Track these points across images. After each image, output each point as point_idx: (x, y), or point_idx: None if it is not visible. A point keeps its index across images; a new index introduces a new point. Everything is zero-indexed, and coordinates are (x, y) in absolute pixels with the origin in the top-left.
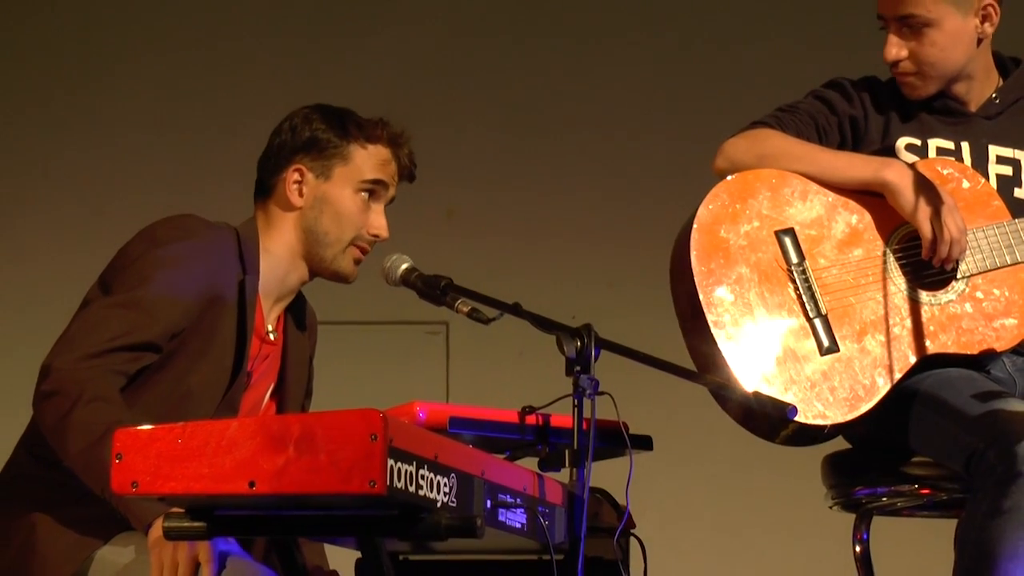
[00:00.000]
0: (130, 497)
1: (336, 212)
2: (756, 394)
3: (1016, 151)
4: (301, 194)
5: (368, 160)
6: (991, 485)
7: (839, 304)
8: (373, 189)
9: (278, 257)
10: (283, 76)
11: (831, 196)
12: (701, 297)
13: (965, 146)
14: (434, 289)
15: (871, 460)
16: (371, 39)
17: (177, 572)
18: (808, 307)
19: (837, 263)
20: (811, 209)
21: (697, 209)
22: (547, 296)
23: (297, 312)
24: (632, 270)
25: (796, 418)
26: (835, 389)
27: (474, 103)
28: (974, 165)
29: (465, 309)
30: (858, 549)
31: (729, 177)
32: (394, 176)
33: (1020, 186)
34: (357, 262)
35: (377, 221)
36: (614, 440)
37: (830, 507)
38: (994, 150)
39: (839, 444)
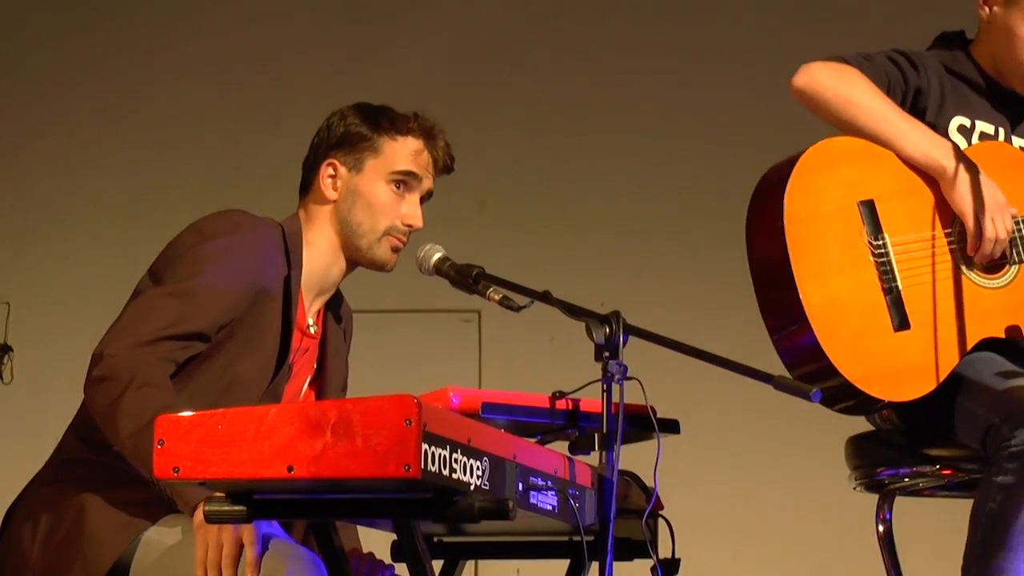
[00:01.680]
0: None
1: (368, 203)
2: (779, 378)
3: None
4: (335, 188)
5: (399, 152)
6: (1004, 459)
7: (910, 282)
8: (404, 180)
9: (320, 251)
10: (321, 74)
11: (908, 170)
12: (793, 264)
13: (1001, 132)
14: (466, 278)
15: (894, 441)
16: (408, 39)
17: (222, 553)
18: (885, 282)
19: (910, 240)
20: (891, 181)
21: (790, 170)
22: (576, 285)
23: (335, 307)
24: (657, 259)
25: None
26: (905, 368)
27: (506, 101)
28: None
29: (496, 297)
30: (881, 529)
31: (818, 143)
32: (427, 167)
33: None
34: (395, 250)
35: (411, 211)
36: (642, 424)
37: (853, 488)
38: (1017, 140)
39: (861, 425)
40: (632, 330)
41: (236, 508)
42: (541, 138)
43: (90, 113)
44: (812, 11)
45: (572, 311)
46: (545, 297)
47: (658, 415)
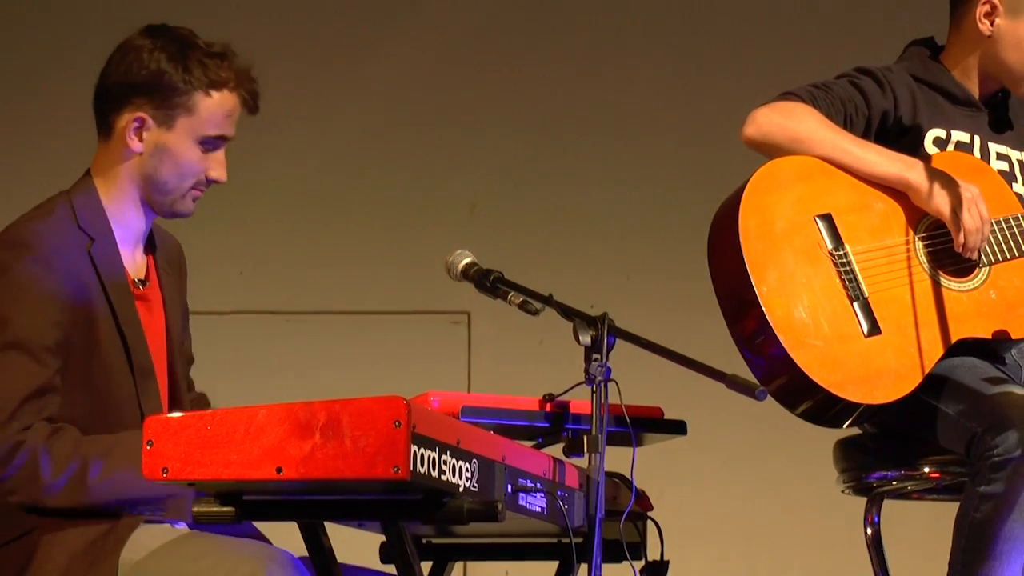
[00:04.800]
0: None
1: (176, 163)
2: (732, 376)
3: (1011, 149)
4: (141, 139)
5: (213, 112)
6: (988, 468)
7: (877, 289)
8: (215, 142)
9: (123, 208)
10: (309, 74)
11: (863, 184)
12: (753, 280)
13: (976, 140)
14: (486, 282)
15: (882, 445)
16: (397, 41)
17: None
18: (850, 290)
19: (872, 249)
20: (846, 196)
21: (740, 193)
22: (566, 287)
23: (157, 247)
24: (648, 262)
25: (847, 397)
26: (880, 371)
27: (495, 102)
28: (980, 158)
29: (517, 301)
30: (869, 532)
31: (767, 163)
32: (236, 120)
33: (1016, 181)
34: (195, 200)
35: (217, 166)
36: (648, 426)
37: (842, 491)
38: (994, 147)
39: (849, 429)
40: (619, 332)
41: (225, 509)
42: (531, 140)
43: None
44: (805, 11)
45: (565, 313)
46: (548, 300)
47: (664, 416)
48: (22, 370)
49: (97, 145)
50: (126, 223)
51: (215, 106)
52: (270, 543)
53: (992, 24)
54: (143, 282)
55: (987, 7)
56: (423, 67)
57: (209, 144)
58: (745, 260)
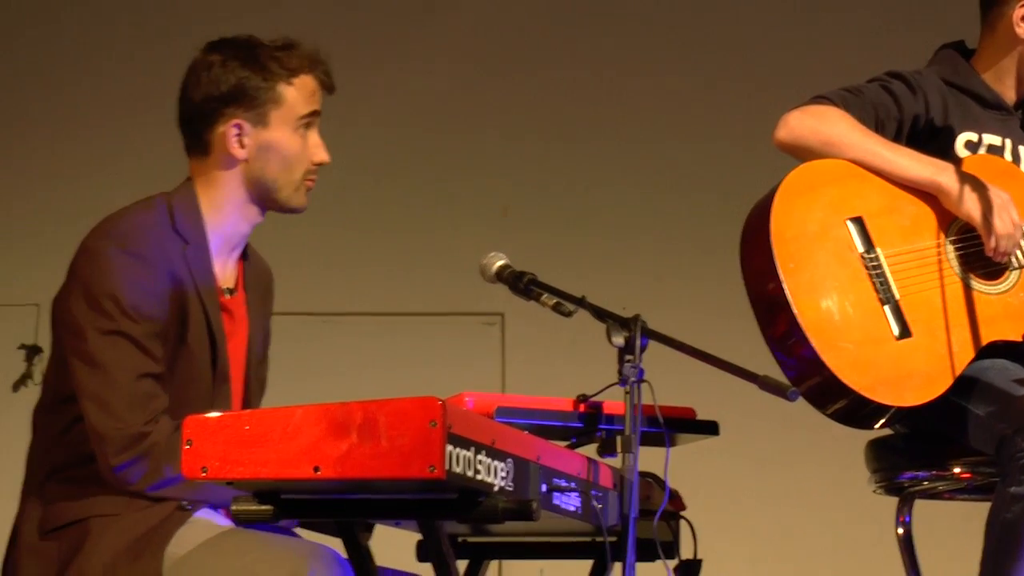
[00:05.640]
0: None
1: (283, 156)
2: (764, 377)
3: None
4: (243, 146)
5: (298, 96)
6: (1018, 469)
7: (908, 292)
8: (309, 122)
9: (225, 213)
10: (345, 78)
11: (894, 188)
12: (784, 282)
13: (1008, 143)
14: (519, 284)
15: (913, 446)
16: (431, 44)
17: None
18: (881, 293)
19: (903, 252)
20: (877, 199)
21: (772, 196)
22: (598, 288)
23: (254, 269)
24: (678, 263)
25: (878, 399)
26: (911, 373)
27: (529, 107)
28: (1011, 161)
29: (550, 303)
30: (901, 531)
31: (799, 166)
32: (321, 99)
33: None
34: (307, 191)
35: (318, 150)
36: (681, 426)
37: (874, 491)
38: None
39: (881, 429)
40: (651, 334)
41: (263, 508)
42: (564, 143)
43: (119, 113)
44: (834, 17)
45: (598, 314)
46: (581, 301)
47: (696, 417)
48: (130, 358)
49: (191, 163)
50: (222, 232)
51: (299, 90)
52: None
53: None
54: (231, 291)
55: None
56: (458, 71)
57: (304, 124)
58: (776, 262)
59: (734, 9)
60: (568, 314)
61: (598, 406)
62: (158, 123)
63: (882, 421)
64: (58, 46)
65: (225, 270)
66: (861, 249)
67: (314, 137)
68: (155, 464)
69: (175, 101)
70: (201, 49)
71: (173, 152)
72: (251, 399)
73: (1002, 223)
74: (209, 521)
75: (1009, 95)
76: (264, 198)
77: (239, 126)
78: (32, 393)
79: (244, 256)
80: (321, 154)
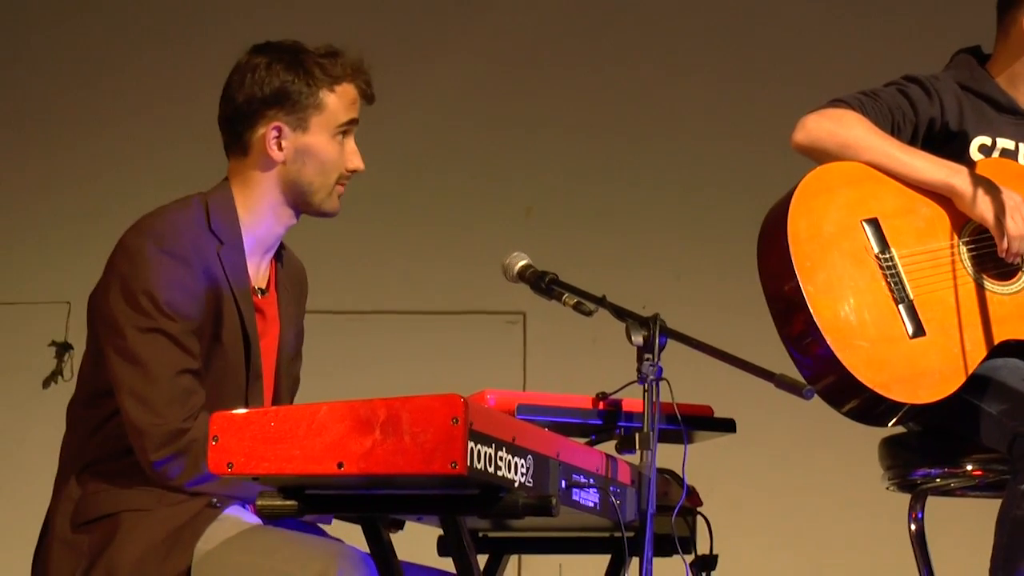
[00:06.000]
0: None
1: (320, 161)
2: (780, 376)
3: None
4: (281, 148)
5: (340, 104)
6: None
7: (922, 291)
8: (347, 130)
9: (260, 215)
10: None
11: (909, 190)
12: (801, 282)
13: (1022, 147)
14: (540, 283)
15: (926, 443)
16: (452, 46)
17: None
18: (896, 292)
19: (917, 253)
20: (892, 201)
21: (790, 197)
22: (618, 287)
23: (284, 266)
24: (697, 263)
25: (892, 397)
26: (925, 371)
27: (551, 108)
28: None
29: (571, 302)
30: (913, 528)
31: (815, 168)
32: (361, 108)
33: None
34: (339, 196)
35: (353, 157)
36: (698, 424)
37: (887, 488)
38: None
39: (894, 427)
40: (669, 333)
41: (288, 503)
42: (585, 144)
43: (148, 110)
44: (852, 21)
45: (619, 313)
46: (601, 301)
47: (714, 415)
48: (168, 354)
49: (229, 162)
50: (257, 232)
51: (340, 98)
52: (337, 540)
53: None
54: (263, 291)
55: None
56: (480, 72)
57: (342, 131)
58: (794, 262)
59: (757, 12)
60: (588, 313)
61: (617, 404)
62: (187, 121)
63: (896, 418)
64: (85, 44)
65: (258, 271)
66: (876, 250)
67: (350, 144)
68: (194, 460)
69: (203, 99)
70: (247, 51)
71: (201, 150)
72: (282, 396)
73: (1015, 225)
74: (239, 518)
75: (1022, 100)
76: (298, 201)
77: (279, 129)
78: (62, 390)
79: (277, 256)
80: (356, 161)
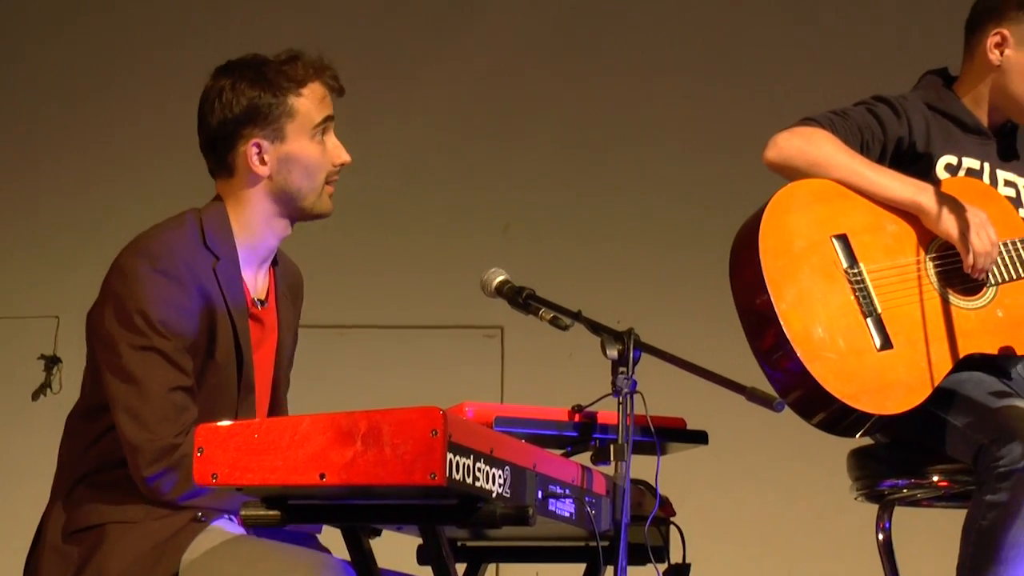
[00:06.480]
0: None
1: (304, 166)
2: (751, 389)
3: (1018, 176)
4: (264, 162)
5: (310, 104)
6: (994, 478)
7: (889, 305)
8: (324, 127)
9: (254, 228)
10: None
11: (877, 207)
12: (772, 296)
13: (986, 166)
14: (518, 298)
15: (893, 455)
16: (430, 67)
17: None
18: (864, 306)
19: (885, 268)
20: (861, 218)
21: (760, 213)
22: (594, 302)
23: (281, 272)
24: (672, 278)
25: (860, 408)
26: (892, 383)
27: (529, 127)
28: (989, 184)
29: (548, 317)
30: (881, 537)
31: (787, 185)
32: (332, 103)
33: (1020, 207)
34: (330, 196)
35: (337, 152)
36: (671, 436)
37: (855, 498)
38: (1002, 174)
39: (863, 439)
40: (644, 347)
41: (271, 512)
42: (562, 163)
43: (136, 125)
44: (825, 40)
45: (594, 328)
46: (577, 316)
47: (687, 427)
48: (162, 372)
49: (217, 184)
50: (253, 245)
51: (309, 99)
52: (327, 549)
53: (1002, 54)
54: (262, 302)
55: (997, 37)
56: (458, 90)
57: (320, 131)
58: (765, 277)
59: (733, 31)
60: (565, 328)
61: (592, 416)
62: (175, 135)
63: (864, 430)
64: (72, 58)
65: (256, 281)
66: (845, 265)
67: (332, 140)
68: (185, 475)
69: (192, 113)
70: (211, 75)
71: (189, 163)
72: (281, 400)
73: (980, 241)
74: (225, 530)
75: (987, 119)
76: (291, 209)
77: (258, 145)
78: (51, 402)
79: (274, 263)
80: (342, 155)
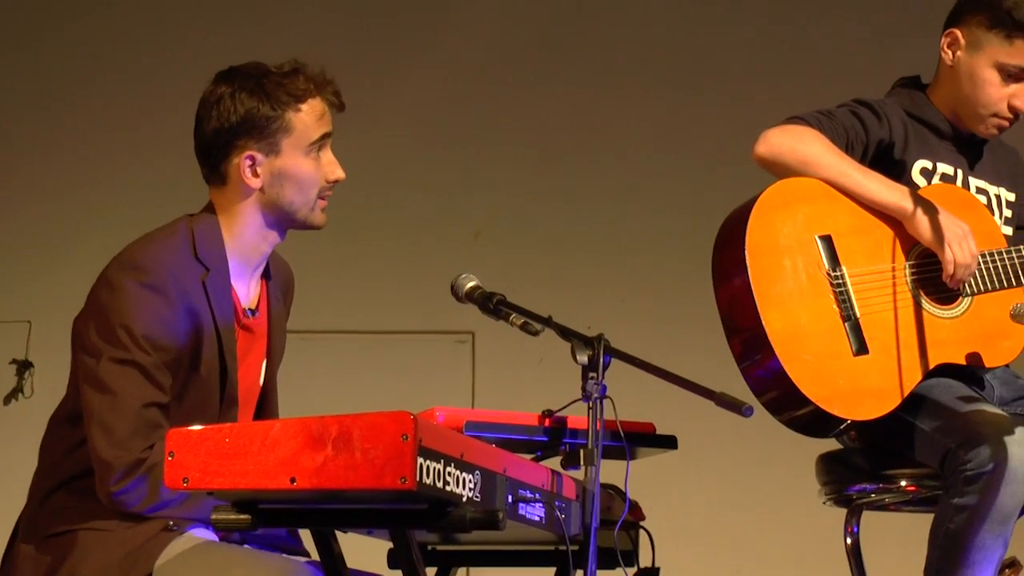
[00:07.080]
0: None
1: (297, 181)
2: (720, 394)
3: (989, 184)
4: (257, 175)
5: (309, 120)
6: (961, 482)
7: (868, 311)
8: (320, 144)
9: (245, 239)
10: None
11: (862, 210)
12: (755, 293)
13: (959, 173)
14: (489, 304)
15: (862, 459)
16: (402, 73)
17: None
18: (843, 310)
19: (866, 272)
20: (847, 219)
21: (750, 207)
22: (565, 308)
23: (277, 278)
24: (641, 284)
25: (833, 412)
26: (865, 389)
27: (499, 133)
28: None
29: (519, 322)
30: (849, 541)
31: (776, 182)
32: (330, 118)
33: (995, 215)
34: (323, 209)
35: (331, 168)
36: (641, 440)
37: (823, 503)
38: (974, 181)
39: (831, 443)
40: (614, 352)
41: (242, 517)
42: (532, 169)
43: (109, 130)
44: (800, 39)
45: (565, 333)
46: (548, 321)
47: (656, 431)
48: (139, 387)
49: (210, 191)
50: (244, 256)
51: (307, 115)
52: (307, 552)
53: (953, 56)
54: (253, 311)
55: (949, 38)
56: (428, 97)
57: (317, 148)
58: (749, 273)
59: (702, 36)
60: (535, 333)
61: (563, 421)
62: (152, 142)
63: (834, 432)
64: (50, 63)
65: (248, 289)
66: (827, 267)
67: (328, 156)
68: (154, 485)
69: (169, 121)
70: (211, 81)
71: (168, 170)
72: (272, 410)
73: (961, 253)
74: (197, 537)
75: (961, 127)
76: (283, 221)
77: (252, 157)
78: (23, 407)
79: (266, 270)
80: (336, 172)
